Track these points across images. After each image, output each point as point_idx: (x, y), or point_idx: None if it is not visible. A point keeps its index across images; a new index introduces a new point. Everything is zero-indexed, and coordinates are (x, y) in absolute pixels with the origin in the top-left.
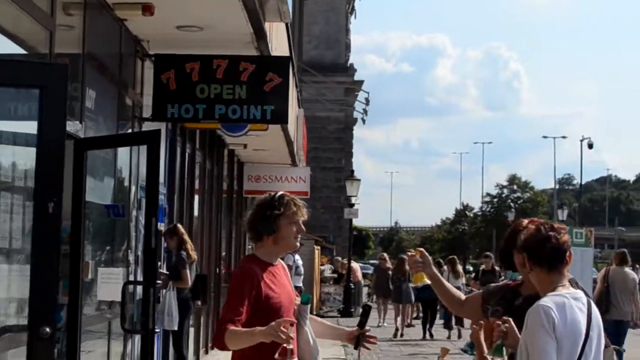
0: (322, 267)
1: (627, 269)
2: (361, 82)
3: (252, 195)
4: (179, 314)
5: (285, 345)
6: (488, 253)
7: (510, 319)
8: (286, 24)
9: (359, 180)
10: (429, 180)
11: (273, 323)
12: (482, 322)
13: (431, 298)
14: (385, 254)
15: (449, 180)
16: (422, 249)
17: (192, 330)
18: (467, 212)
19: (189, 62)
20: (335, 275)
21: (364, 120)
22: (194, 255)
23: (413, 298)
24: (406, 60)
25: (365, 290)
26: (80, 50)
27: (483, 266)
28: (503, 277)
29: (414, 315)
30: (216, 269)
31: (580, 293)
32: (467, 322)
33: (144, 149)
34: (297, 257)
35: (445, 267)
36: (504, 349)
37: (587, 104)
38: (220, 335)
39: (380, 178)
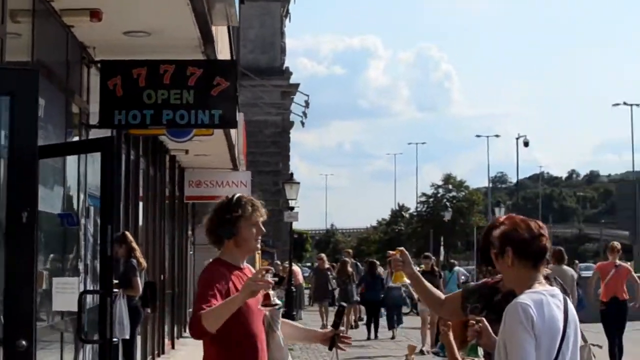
0: None
1: (565, 267)
2: (297, 85)
3: (194, 201)
4: (129, 322)
5: (266, 291)
6: (428, 254)
7: (484, 319)
8: (228, 28)
9: (298, 183)
10: (364, 182)
11: (250, 276)
12: (449, 322)
13: (374, 300)
14: (323, 255)
15: (384, 181)
16: (402, 248)
17: (138, 338)
18: (402, 212)
19: (135, 68)
20: (277, 278)
21: (303, 124)
22: (143, 262)
23: (357, 297)
24: (338, 63)
25: (307, 292)
26: (30, 58)
27: (422, 267)
28: (442, 278)
29: (357, 316)
30: (160, 276)
31: (556, 290)
32: (408, 321)
33: (92, 156)
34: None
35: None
36: (478, 348)
37: (517, 104)
38: (196, 322)
39: (315, 181)
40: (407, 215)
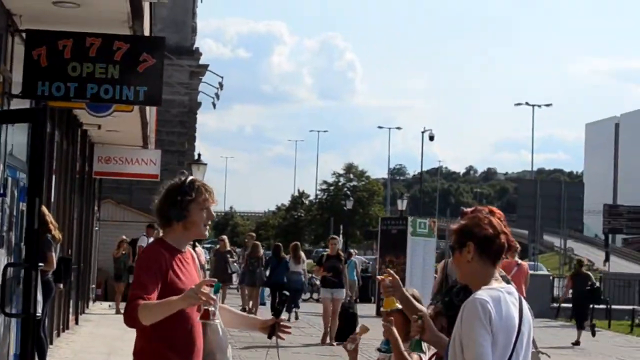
0: None
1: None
2: (206, 66)
3: (102, 177)
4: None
5: (206, 307)
6: (334, 236)
7: (426, 313)
8: (151, 4)
9: (205, 164)
10: (264, 166)
11: (193, 286)
12: (392, 318)
13: (279, 283)
14: (224, 237)
15: (284, 167)
16: (392, 272)
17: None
18: (302, 199)
19: (61, 39)
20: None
21: (214, 105)
22: (58, 235)
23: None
24: (243, 46)
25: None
26: None
27: (328, 250)
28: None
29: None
30: (68, 251)
31: (512, 288)
32: (308, 307)
33: (12, 126)
34: (151, 239)
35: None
36: (422, 343)
37: (419, 97)
38: (132, 311)
39: (215, 163)
40: (307, 202)
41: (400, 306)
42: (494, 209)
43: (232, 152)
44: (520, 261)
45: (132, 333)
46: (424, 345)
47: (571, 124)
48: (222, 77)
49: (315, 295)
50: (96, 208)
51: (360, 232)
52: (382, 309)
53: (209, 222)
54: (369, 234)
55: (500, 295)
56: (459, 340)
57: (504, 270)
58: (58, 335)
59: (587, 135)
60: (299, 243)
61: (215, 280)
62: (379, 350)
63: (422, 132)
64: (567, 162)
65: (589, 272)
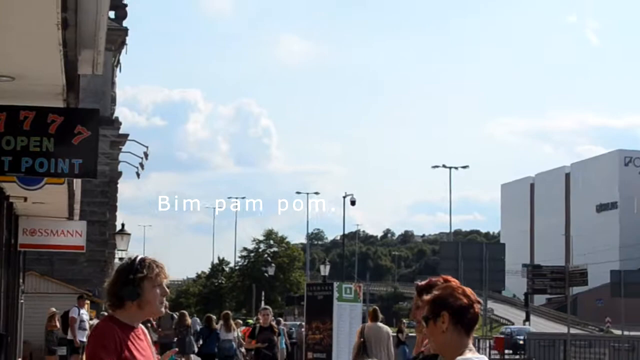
0: (91, 322)
1: (380, 324)
2: (126, 136)
3: (27, 249)
4: None
5: None
6: (266, 306)
7: None
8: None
9: (129, 234)
10: (182, 234)
11: (143, 338)
12: None
13: (210, 353)
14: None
15: (202, 234)
16: None
17: None
18: (223, 266)
19: None
20: None
21: (138, 175)
22: None
23: (195, 349)
24: (158, 114)
25: None
26: None
27: (261, 321)
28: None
29: None
30: None
31: (485, 358)
32: None
33: None
34: (82, 311)
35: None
36: None
37: (335, 162)
38: None
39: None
40: (227, 269)
41: None
42: (449, 277)
43: (150, 221)
44: None
45: None
46: None
47: (487, 185)
48: (147, 147)
49: None
50: (21, 280)
51: (282, 298)
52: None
53: (164, 299)
54: (290, 299)
55: None
56: None
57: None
58: None
59: (502, 195)
60: (229, 312)
61: (176, 350)
62: None
63: (344, 197)
64: (484, 223)
65: None
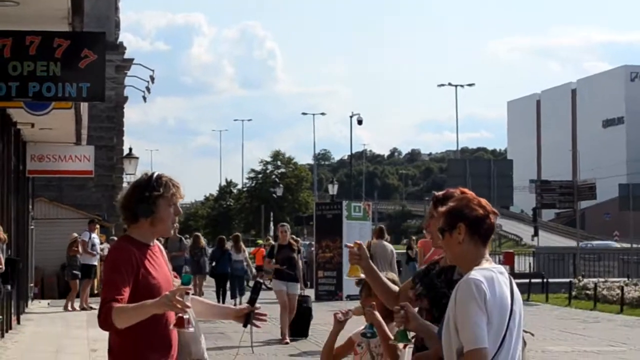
0: (101, 246)
1: (385, 242)
2: (131, 60)
3: (36, 175)
4: None
5: (181, 314)
6: (284, 223)
7: (408, 304)
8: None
9: (137, 158)
10: (188, 158)
11: (167, 292)
12: (374, 302)
13: (224, 272)
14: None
15: (209, 158)
16: (360, 242)
17: None
18: (231, 188)
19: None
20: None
21: (145, 98)
22: (3, 235)
23: (207, 269)
24: (162, 39)
25: None
26: None
27: (279, 239)
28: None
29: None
30: (8, 251)
31: (502, 267)
32: None
33: None
34: (93, 235)
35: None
36: (408, 333)
37: (341, 82)
38: (106, 315)
39: (140, 156)
40: (235, 191)
41: (363, 275)
42: (466, 190)
43: (157, 145)
44: None
45: (76, 330)
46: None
47: (493, 103)
48: (153, 70)
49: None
50: (30, 207)
51: (290, 218)
52: (346, 276)
53: (176, 219)
54: (299, 219)
55: (493, 275)
56: (454, 322)
57: (423, 248)
58: (2, 336)
59: (509, 113)
60: (239, 234)
61: (191, 288)
62: (364, 335)
63: (351, 117)
64: (490, 141)
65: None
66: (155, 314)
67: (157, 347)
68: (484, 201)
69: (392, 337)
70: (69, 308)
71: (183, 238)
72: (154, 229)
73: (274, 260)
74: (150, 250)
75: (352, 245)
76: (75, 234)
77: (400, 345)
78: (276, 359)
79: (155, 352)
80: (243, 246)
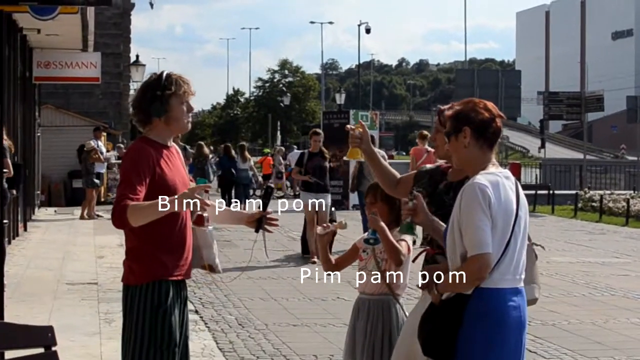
0: (108, 154)
1: (376, 149)
2: None
3: (42, 82)
4: None
5: (200, 212)
6: (318, 130)
7: (420, 195)
8: None
9: (144, 65)
10: (196, 66)
11: (186, 190)
12: (376, 209)
13: (230, 178)
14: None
15: (216, 66)
16: (362, 124)
17: None
18: (238, 96)
19: None
20: (120, 161)
21: (152, 5)
22: (10, 142)
23: (212, 177)
24: None
25: None
26: None
27: (311, 147)
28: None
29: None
30: (14, 158)
31: (508, 172)
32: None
33: None
34: (99, 142)
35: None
36: (414, 226)
37: None
38: (121, 212)
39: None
40: (242, 100)
41: (363, 159)
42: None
43: (164, 53)
44: (429, 148)
45: (83, 237)
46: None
47: (501, 13)
48: None
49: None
50: (37, 114)
51: (297, 128)
52: (345, 158)
53: (190, 116)
54: (306, 128)
55: (498, 179)
56: (458, 226)
57: (415, 156)
58: (9, 242)
59: (517, 23)
60: (245, 144)
61: (210, 186)
62: (367, 241)
63: (359, 25)
64: (498, 51)
65: None
66: (171, 217)
67: (172, 250)
68: (490, 104)
69: (396, 243)
70: (85, 216)
71: (187, 147)
72: (169, 127)
73: (303, 170)
74: (167, 151)
75: (352, 127)
76: (92, 142)
77: (403, 243)
78: (284, 267)
79: (170, 254)
80: (248, 155)
